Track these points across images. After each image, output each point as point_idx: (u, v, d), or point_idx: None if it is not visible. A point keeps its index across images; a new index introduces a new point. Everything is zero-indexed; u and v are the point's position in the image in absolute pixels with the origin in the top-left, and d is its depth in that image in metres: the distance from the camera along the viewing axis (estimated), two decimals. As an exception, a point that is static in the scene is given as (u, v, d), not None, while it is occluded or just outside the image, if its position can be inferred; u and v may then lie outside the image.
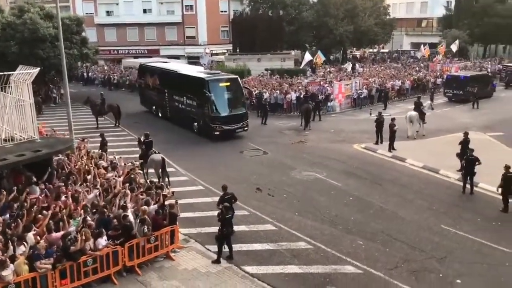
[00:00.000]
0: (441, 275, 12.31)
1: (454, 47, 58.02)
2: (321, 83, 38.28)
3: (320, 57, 46.97)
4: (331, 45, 59.35)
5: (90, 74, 51.09)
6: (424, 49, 60.02)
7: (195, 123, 26.98)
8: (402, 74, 45.26)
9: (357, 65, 52.62)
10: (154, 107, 32.58)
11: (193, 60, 54.93)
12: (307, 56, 45.34)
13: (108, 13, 60.78)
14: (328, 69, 50.02)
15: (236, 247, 13.38)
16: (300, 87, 35.07)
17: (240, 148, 24.55)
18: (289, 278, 12.19)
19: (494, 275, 12.30)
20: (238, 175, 19.95)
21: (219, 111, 25.71)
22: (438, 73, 46.58)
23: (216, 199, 15.07)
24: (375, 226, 15.16)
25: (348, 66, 49.31)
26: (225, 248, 12.96)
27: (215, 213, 13.75)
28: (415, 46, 72.46)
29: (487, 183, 18.15)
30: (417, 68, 51.02)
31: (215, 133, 25.49)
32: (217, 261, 12.83)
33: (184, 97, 27.80)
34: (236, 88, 26.91)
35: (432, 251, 13.54)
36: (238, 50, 49.78)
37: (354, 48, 71.81)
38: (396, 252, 13.47)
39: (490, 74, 46.43)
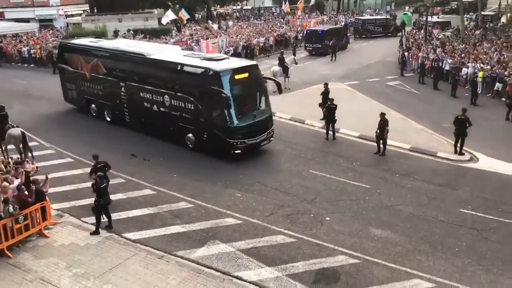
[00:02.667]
0: (312, 215, 13.41)
1: (312, 2, 60.88)
2: (188, 42, 37.83)
3: (184, 15, 46.10)
4: (195, 3, 58.47)
5: None
6: (285, 6, 62.16)
7: (190, 135, 17.90)
8: (266, 31, 46.56)
9: (225, 22, 52.67)
10: (94, 106, 22.34)
11: (46, 23, 50.30)
12: (170, 14, 44.18)
13: None
14: (194, 28, 49.47)
15: (114, 215, 13.05)
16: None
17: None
18: (172, 238, 12.31)
19: (356, 209, 13.76)
20: (108, 144, 19.17)
21: (239, 118, 16.75)
22: (298, 29, 48.75)
23: (88, 170, 14.42)
24: (251, 178, 15.84)
25: (214, 25, 49.22)
26: (104, 219, 12.59)
27: (89, 184, 13.19)
28: (276, 2, 74.56)
29: (347, 128, 19.91)
30: (279, 24, 52.78)
31: (235, 151, 16.97)
32: (96, 232, 12.42)
33: (167, 96, 18.19)
34: (257, 79, 17.93)
35: (303, 194, 14.65)
36: (96, 11, 46.64)
37: (218, 6, 71.68)
38: (271, 199, 14.29)
39: (345, 27, 49.90)
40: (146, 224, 12.99)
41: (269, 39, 42.30)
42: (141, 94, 19.26)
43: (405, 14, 59.25)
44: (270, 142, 18.18)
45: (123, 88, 20.25)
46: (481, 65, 27.68)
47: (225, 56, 19.44)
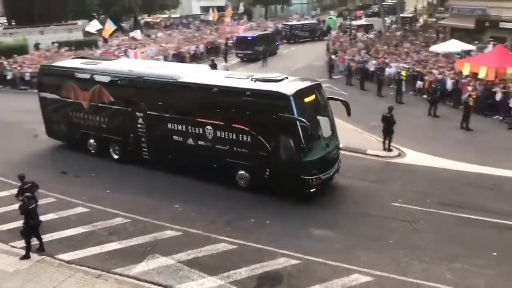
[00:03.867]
0: (253, 220, 13.50)
1: (241, 9, 61.49)
2: (115, 53, 36.89)
3: (110, 26, 44.79)
4: (121, 12, 57.16)
5: None
6: (213, 13, 62.27)
7: (243, 172, 15.13)
8: (196, 39, 46.41)
9: (154, 31, 51.69)
10: (93, 142, 18.54)
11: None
12: (95, 23, 42.84)
13: None
14: (122, 38, 48.29)
15: (46, 237, 12.42)
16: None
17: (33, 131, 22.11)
18: (109, 256, 11.88)
19: (295, 211, 13.97)
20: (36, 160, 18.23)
21: (313, 149, 14.18)
22: (228, 35, 49.01)
23: (14, 191, 13.61)
24: (189, 188, 15.67)
25: (136, 33, 48.07)
26: (35, 241, 11.93)
27: (16, 206, 12.46)
28: (205, 10, 74.53)
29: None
30: (208, 32, 52.78)
31: (310, 190, 14.33)
32: (26, 257, 11.74)
33: (209, 127, 15.21)
34: (324, 101, 15.44)
35: (242, 200, 14.69)
36: (14, 23, 44.36)
37: (146, 15, 70.50)
38: (211, 208, 14.20)
39: (273, 33, 50.75)
40: (80, 244, 12.46)
41: (199, 47, 42.18)
42: (170, 125, 16.00)
43: (330, 18, 61.23)
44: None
45: (140, 120, 16.77)
46: (403, 64, 29.15)
47: (282, 75, 15.57)
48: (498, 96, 22.69)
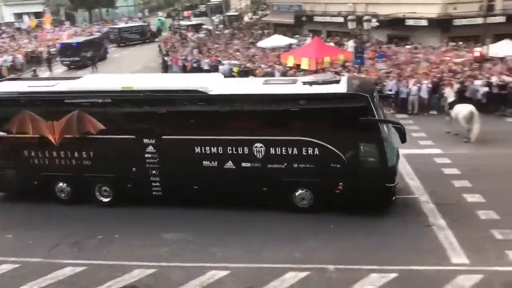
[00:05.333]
0: (101, 236, 12.76)
1: (62, 14, 57.44)
2: None
3: None
4: None
5: None
6: (29, 20, 57.12)
7: (303, 191, 13.23)
8: (12, 49, 41.99)
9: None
10: (64, 186, 14.53)
11: None
12: None
13: None
14: None
15: None
16: None
17: None
18: None
19: (145, 218, 13.59)
20: None
21: (392, 155, 12.82)
22: (50, 43, 45.46)
23: None
24: (25, 215, 14.24)
25: None
26: None
27: None
28: (19, 17, 67.87)
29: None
30: (26, 41, 48.25)
31: (392, 198, 12.96)
32: None
33: (259, 145, 12.88)
34: (380, 101, 14.05)
35: (86, 218, 13.84)
36: None
37: None
38: (53, 232, 13.06)
39: (101, 37, 48.53)
40: None
41: (17, 57, 38.28)
42: (198, 149, 13.28)
43: (159, 19, 60.79)
44: None
45: (150, 148, 13.57)
46: (234, 61, 30.27)
47: (334, 75, 13.96)
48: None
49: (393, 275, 10.41)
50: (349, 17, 25.56)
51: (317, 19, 38.64)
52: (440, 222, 12.47)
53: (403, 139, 12.47)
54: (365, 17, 24.86)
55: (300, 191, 13.23)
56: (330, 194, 12.85)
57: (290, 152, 12.78)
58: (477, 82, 21.25)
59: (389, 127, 12.92)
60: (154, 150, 13.53)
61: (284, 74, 26.22)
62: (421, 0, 31.73)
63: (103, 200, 14.50)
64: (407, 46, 30.89)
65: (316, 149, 12.57)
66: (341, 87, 12.99)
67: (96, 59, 38.01)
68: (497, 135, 17.99)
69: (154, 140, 13.46)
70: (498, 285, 10.05)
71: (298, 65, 26.01)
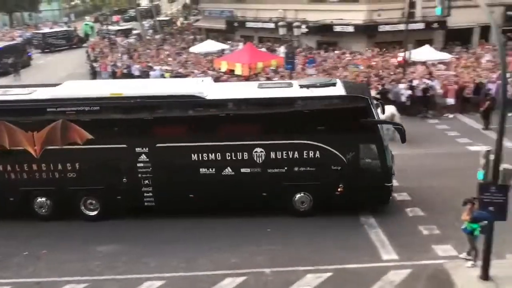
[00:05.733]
0: (26, 253, 12.07)
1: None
2: None
3: None
4: None
5: None
6: None
7: (302, 195, 13.26)
8: None
9: None
10: (43, 201, 13.56)
11: None
12: None
13: None
14: None
15: None
16: None
17: None
18: None
19: (76, 233, 12.99)
20: None
21: (388, 155, 13.11)
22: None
23: None
24: None
25: None
26: None
27: None
28: None
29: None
30: None
31: (390, 197, 13.40)
32: None
33: (259, 150, 12.80)
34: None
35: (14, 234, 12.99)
36: None
37: None
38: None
39: (23, 42, 46.12)
40: None
41: None
42: (195, 157, 12.94)
43: (86, 24, 58.70)
44: None
45: (143, 157, 13.02)
46: (166, 67, 29.79)
47: (331, 79, 14.71)
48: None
49: (328, 274, 10.69)
50: (280, 23, 25.94)
51: (249, 24, 38.94)
52: (371, 221, 12.95)
53: (403, 139, 13.06)
54: (295, 23, 25.35)
55: (299, 195, 13.27)
56: (329, 196, 12.99)
57: (291, 156, 12.80)
58: (401, 86, 22.35)
59: (382, 128, 13.26)
60: (147, 159, 13.00)
61: (217, 79, 26.19)
62: (348, 7, 32.93)
63: (89, 214, 13.67)
64: (335, 52, 31.91)
65: (318, 151, 12.72)
66: (339, 90, 13.18)
67: (19, 66, 36.02)
68: (421, 136, 18.95)
69: (147, 149, 12.93)
70: (424, 278, 10.56)
71: (232, 71, 26.07)
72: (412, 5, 27.30)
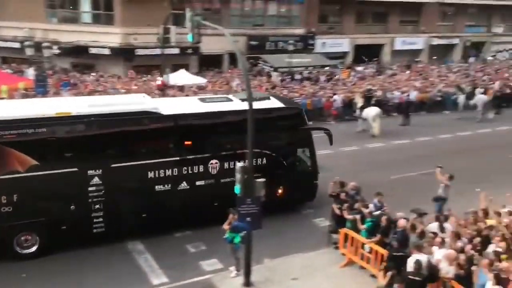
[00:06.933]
0: None
1: None
2: None
3: None
4: None
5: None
6: None
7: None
8: None
9: None
10: None
11: None
12: None
13: None
14: None
15: None
16: None
17: None
18: None
19: None
20: None
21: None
22: None
23: None
24: None
25: None
26: None
27: None
28: None
29: None
30: None
31: (315, 193, 14.86)
32: None
33: (214, 161, 13.08)
34: None
35: None
36: None
37: None
38: None
39: None
40: None
41: None
42: (151, 174, 12.50)
43: None
44: None
45: (96, 180, 11.82)
46: None
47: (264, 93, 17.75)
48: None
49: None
50: (26, 43, 23.66)
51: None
52: (139, 247, 12.63)
53: (331, 142, 15.22)
54: (45, 44, 23.49)
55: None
56: (272, 199, 12.28)
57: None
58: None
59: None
60: (100, 182, 12.11)
61: None
62: (103, 29, 32.05)
63: (25, 252, 11.74)
64: (92, 74, 30.64)
65: (264, 159, 13.73)
66: (276, 102, 14.81)
67: None
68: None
69: (100, 171, 12.03)
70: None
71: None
72: (166, 30, 28.18)
